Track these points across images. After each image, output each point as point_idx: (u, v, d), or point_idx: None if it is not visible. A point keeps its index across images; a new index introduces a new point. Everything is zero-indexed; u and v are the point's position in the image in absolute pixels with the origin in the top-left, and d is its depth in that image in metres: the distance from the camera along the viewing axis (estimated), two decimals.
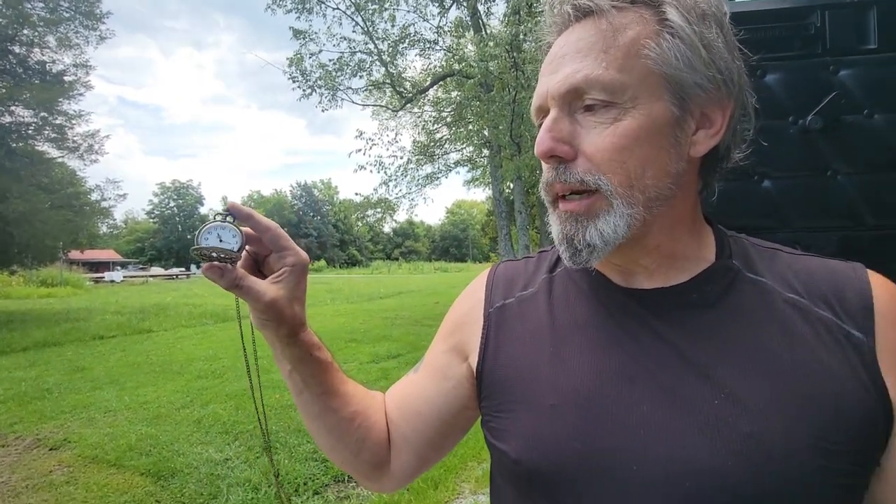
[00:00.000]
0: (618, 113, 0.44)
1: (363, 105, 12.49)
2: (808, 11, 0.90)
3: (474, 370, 0.56)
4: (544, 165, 0.48)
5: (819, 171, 0.89)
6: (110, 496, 2.83)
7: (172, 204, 65.74)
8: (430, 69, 11.30)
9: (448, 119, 11.77)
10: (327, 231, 69.70)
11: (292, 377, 0.57)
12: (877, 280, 0.46)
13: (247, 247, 0.51)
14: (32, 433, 3.88)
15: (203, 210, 67.49)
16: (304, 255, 0.54)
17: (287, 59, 10.31)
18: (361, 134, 11.27)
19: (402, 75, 11.46)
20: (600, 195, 0.45)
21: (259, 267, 0.55)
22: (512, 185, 11.03)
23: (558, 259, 0.58)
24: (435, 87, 11.58)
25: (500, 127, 8.64)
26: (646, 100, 0.44)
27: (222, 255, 0.47)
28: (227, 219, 0.49)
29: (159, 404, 4.56)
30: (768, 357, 0.43)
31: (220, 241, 0.47)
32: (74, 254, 25.06)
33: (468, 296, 0.63)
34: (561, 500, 0.46)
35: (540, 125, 0.49)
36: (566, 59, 0.46)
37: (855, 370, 0.42)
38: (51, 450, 3.57)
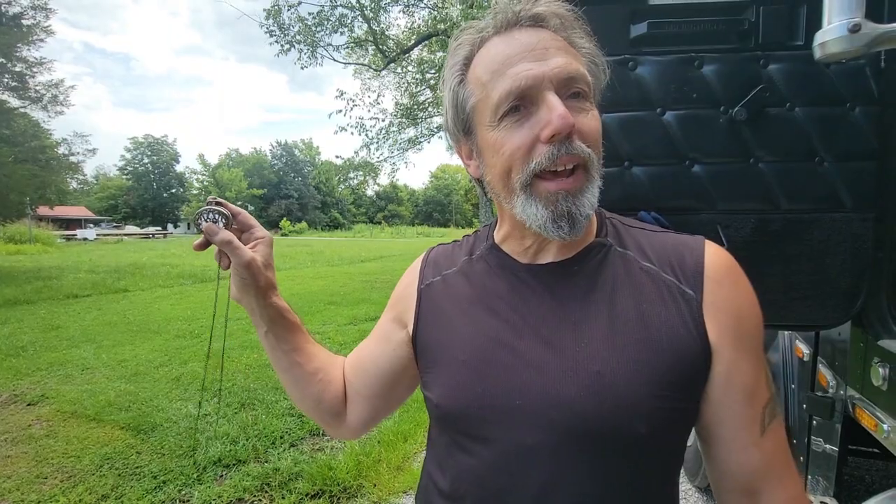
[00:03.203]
0: (589, 104, 0.54)
1: (345, 63, 12.11)
2: (744, 7, 0.96)
3: (410, 336, 0.68)
4: (518, 148, 0.52)
5: (742, 158, 0.97)
6: (91, 448, 2.92)
7: (146, 160, 63.31)
8: (415, 28, 10.95)
9: (432, 81, 11.51)
10: (309, 193, 68.42)
11: (267, 337, 0.68)
12: (711, 249, 0.58)
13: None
14: (8, 389, 3.92)
15: (179, 168, 65.36)
16: (267, 232, 0.69)
17: (264, 10, 9.86)
18: (342, 94, 10.97)
19: (386, 33, 11.09)
20: (584, 171, 0.53)
21: None
22: None
23: (475, 244, 0.70)
24: (419, 48, 11.26)
25: None
26: (592, 97, 0.55)
27: (218, 217, 0.64)
28: (212, 203, 0.66)
29: (137, 362, 4.62)
30: (621, 313, 0.55)
31: (210, 211, 0.65)
32: (43, 210, 24.07)
33: (407, 275, 0.74)
34: (467, 432, 0.58)
35: (513, 108, 0.52)
36: (551, 52, 0.53)
37: (685, 321, 0.53)
38: (28, 405, 3.62)
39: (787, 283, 0.99)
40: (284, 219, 59.68)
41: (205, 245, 0.64)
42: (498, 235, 0.66)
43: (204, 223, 0.63)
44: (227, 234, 0.62)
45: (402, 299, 0.71)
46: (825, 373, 1.44)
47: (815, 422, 1.49)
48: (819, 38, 0.66)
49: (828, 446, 1.45)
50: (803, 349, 1.57)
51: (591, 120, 0.53)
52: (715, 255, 0.57)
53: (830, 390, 1.40)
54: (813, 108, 0.95)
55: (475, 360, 0.58)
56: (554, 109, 0.50)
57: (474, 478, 0.57)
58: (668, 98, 0.99)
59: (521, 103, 0.52)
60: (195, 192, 62.98)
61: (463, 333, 0.61)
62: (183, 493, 2.49)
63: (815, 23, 0.93)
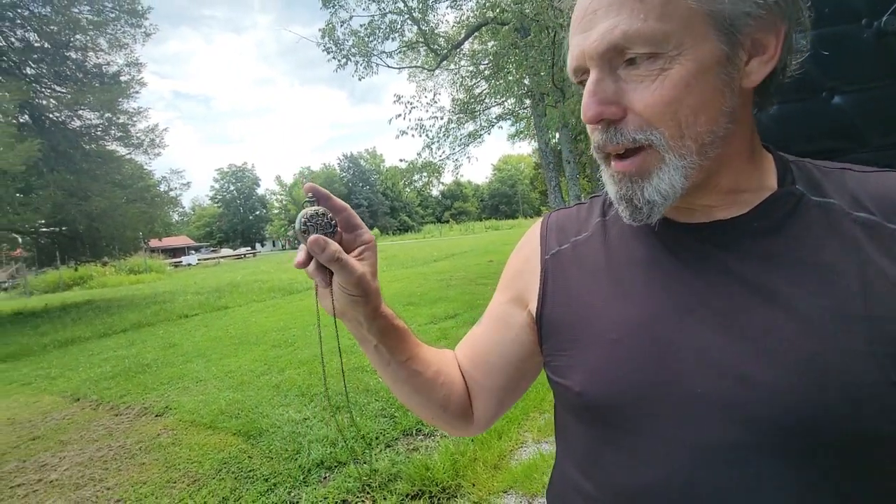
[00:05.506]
0: (664, 63, 0.42)
1: (399, 68, 12.29)
2: None
3: (534, 316, 0.58)
4: (590, 127, 0.47)
5: None
6: (210, 454, 3.18)
7: (232, 188, 69.37)
8: (463, 21, 10.84)
9: (486, 72, 11.33)
10: (377, 200, 70.92)
11: (378, 351, 0.59)
12: None
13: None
14: (139, 403, 4.40)
15: (260, 191, 70.81)
16: (371, 234, 0.57)
17: (319, 30, 10.27)
18: (399, 98, 11.14)
19: (435, 31, 11.09)
20: (651, 150, 0.44)
21: None
22: (558, 135, 10.58)
23: (611, 203, 0.59)
24: (470, 40, 11.13)
25: (542, 73, 8.21)
26: (692, 44, 0.41)
27: (322, 224, 0.50)
28: (314, 202, 0.52)
29: (242, 372, 5.00)
30: (833, 278, 0.42)
31: (318, 215, 0.51)
32: (154, 242, 27.34)
33: (523, 247, 0.64)
34: (624, 427, 0.47)
35: (580, 83, 0.48)
36: (598, 15, 0.43)
37: None
38: (156, 416, 4.04)
39: None
40: None
41: (307, 261, 0.51)
42: None
43: (312, 234, 0.49)
44: (335, 249, 0.49)
45: (520, 276, 0.62)
46: None
47: None
48: None
49: None
50: None
51: (652, 92, 0.42)
52: None
53: None
54: None
55: (632, 340, 0.48)
56: (583, 97, 0.45)
57: (635, 482, 0.46)
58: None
59: (585, 77, 0.46)
60: (276, 211, 67.97)
61: (609, 308, 0.50)
62: (292, 494, 2.61)
63: None
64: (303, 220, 0.49)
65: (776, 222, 0.46)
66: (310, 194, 0.51)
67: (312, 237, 0.48)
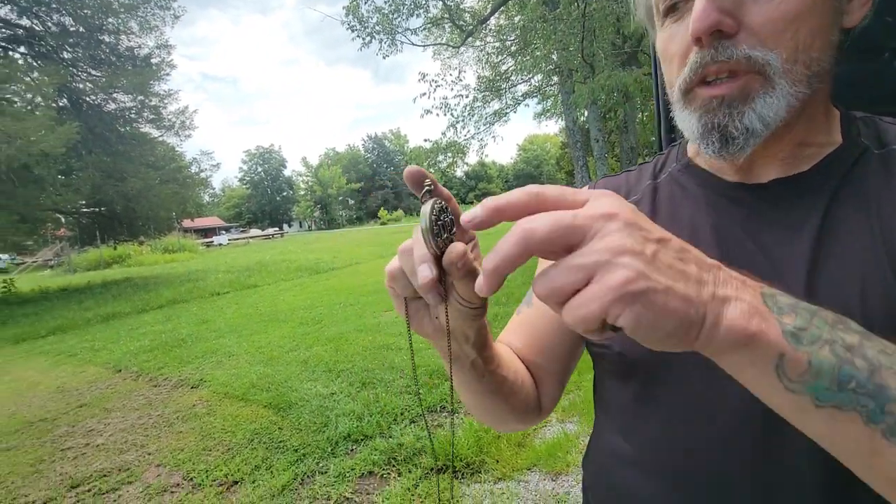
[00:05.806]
0: None
1: (423, 46, 12.10)
2: None
3: None
4: (679, 54, 0.43)
5: None
6: (242, 424, 3.31)
7: (259, 169, 70.52)
8: None
9: (512, 48, 11.05)
10: (402, 181, 70.85)
11: (475, 365, 0.49)
12: None
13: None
14: (176, 375, 4.61)
15: (286, 172, 71.86)
16: None
17: (343, 8, 10.18)
18: (424, 76, 10.99)
19: (461, 7, 10.85)
20: (757, 75, 0.40)
21: None
22: (586, 112, 10.27)
23: (662, 167, 0.56)
24: (496, 15, 10.84)
25: (571, 48, 7.94)
26: None
27: (447, 224, 0.37)
28: (431, 190, 0.38)
29: (271, 348, 5.15)
30: (883, 226, 0.40)
31: (444, 211, 0.38)
32: (186, 222, 28.31)
33: None
34: (665, 381, 0.47)
35: (670, 10, 0.44)
36: None
37: None
38: (192, 388, 4.22)
39: None
40: (381, 208, 62.85)
41: (439, 277, 0.36)
42: (691, 149, 0.53)
43: (443, 237, 0.36)
44: (470, 260, 0.36)
45: None
46: None
47: None
48: None
49: None
50: None
51: (776, 5, 0.39)
52: None
53: None
54: None
55: None
56: (696, 4, 0.39)
57: (675, 438, 0.45)
58: None
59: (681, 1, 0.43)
60: (302, 192, 68.98)
61: None
62: (320, 465, 2.70)
63: None
64: (432, 218, 0.35)
65: (839, 176, 0.44)
66: (427, 182, 0.37)
67: (458, 248, 0.35)
